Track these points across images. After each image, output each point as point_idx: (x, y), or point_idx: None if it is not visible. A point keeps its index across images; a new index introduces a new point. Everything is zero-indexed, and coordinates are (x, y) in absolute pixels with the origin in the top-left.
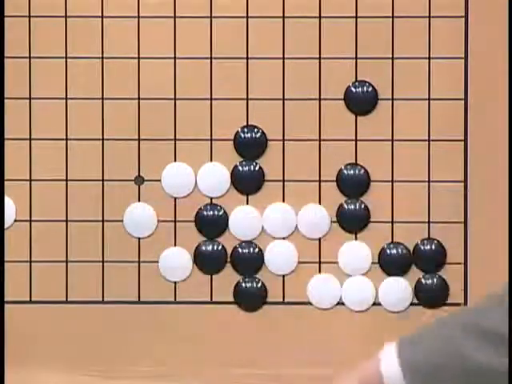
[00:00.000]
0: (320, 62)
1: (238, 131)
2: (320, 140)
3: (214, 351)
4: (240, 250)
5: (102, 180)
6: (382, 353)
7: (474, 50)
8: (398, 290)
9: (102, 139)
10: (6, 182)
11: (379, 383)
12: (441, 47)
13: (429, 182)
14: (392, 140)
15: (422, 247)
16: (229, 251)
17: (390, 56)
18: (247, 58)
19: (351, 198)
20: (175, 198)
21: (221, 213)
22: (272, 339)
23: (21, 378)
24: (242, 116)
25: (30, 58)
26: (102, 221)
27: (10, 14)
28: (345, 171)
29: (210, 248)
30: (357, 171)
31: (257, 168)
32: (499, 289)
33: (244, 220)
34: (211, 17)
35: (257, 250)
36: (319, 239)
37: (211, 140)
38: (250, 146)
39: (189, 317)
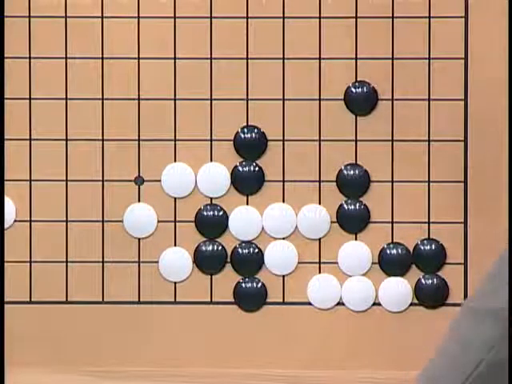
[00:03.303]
0: (320, 62)
1: (237, 131)
2: (320, 140)
3: (213, 351)
4: (240, 250)
5: (102, 180)
6: None
7: (474, 50)
8: (397, 290)
9: (102, 139)
10: (6, 182)
11: None
12: (441, 47)
13: (429, 182)
14: (392, 140)
15: (422, 247)
16: (229, 251)
17: (390, 56)
18: (247, 58)
19: (351, 198)
20: (175, 198)
21: (221, 213)
22: (272, 339)
23: (21, 378)
24: (242, 116)
25: (30, 58)
26: (102, 221)
27: (9, 14)
28: (345, 171)
29: (210, 248)
30: (357, 171)
31: (257, 168)
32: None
33: (244, 220)
34: (211, 17)
35: (257, 250)
36: (319, 239)
37: (211, 140)
38: (250, 146)
39: (189, 317)
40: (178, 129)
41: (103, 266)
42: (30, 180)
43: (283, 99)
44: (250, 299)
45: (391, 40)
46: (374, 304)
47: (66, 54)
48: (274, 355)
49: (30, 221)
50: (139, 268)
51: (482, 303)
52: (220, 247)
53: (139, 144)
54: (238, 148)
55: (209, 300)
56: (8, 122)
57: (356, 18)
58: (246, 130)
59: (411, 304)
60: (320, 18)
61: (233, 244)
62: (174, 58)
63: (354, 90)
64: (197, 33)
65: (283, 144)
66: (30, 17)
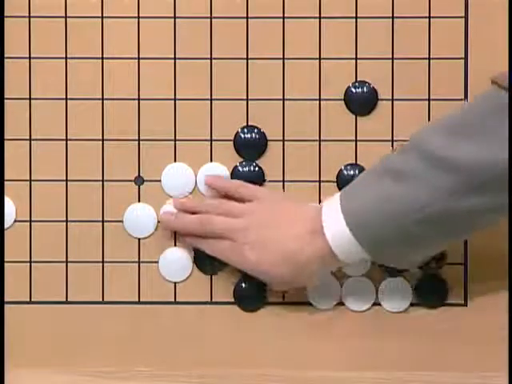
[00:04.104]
0: (320, 62)
1: (237, 131)
2: (320, 140)
3: (214, 351)
4: None
5: (102, 180)
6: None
7: (474, 49)
8: (397, 290)
9: (102, 139)
10: (6, 182)
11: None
12: (441, 47)
13: None
14: (392, 140)
15: None
16: None
17: (390, 56)
18: (247, 58)
19: None
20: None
21: None
22: (272, 339)
23: (21, 378)
24: (242, 116)
25: (30, 58)
26: (102, 221)
27: (10, 14)
28: (345, 171)
29: None
30: (357, 171)
31: (257, 168)
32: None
33: None
34: (211, 17)
35: None
36: None
37: (211, 140)
38: (250, 146)
39: (189, 317)
40: (178, 129)
41: (103, 266)
42: (30, 180)
43: (283, 99)
44: (250, 299)
45: (391, 40)
46: (374, 304)
47: (65, 54)
48: (274, 355)
49: (30, 221)
50: (139, 268)
51: (446, 152)
52: None
53: (139, 144)
54: (238, 148)
55: (209, 300)
56: (8, 122)
57: (356, 17)
58: (245, 130)
59: (411, 304)
60: (320, 17)
61: None
62: (174, 58)
63: (353, 89)
64: (197, 33)
65: (283, 144)
66: (30, 17)
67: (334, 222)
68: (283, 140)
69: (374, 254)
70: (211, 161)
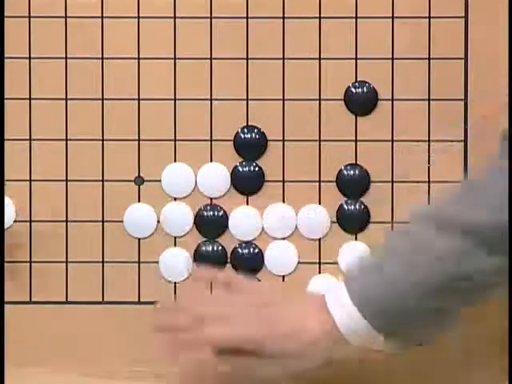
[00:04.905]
0: (320, 62)
1: (237, 131)
2: (320, 140)
3: None
4: (240, 250)
5: (102, 180)
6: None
7: (474, 49)
8: None
9: (102, 139)
10: (6, 182)
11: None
12: (441, 47)
13: (429, 182)
14: (392, 140)
15: None
16: (229, 251)
17: (390, 56)
18: (247, 58)
19: (351, 198)
20: (175, 198)
21: (221, 213)
22: None
23: (21, 378)
24: (242, 116)
25: (30, 58)
26: (102, 221)
27: (10, 14)
28: (345, 171)
29: (209, 248)
30: (357, 171)
31: (257, 168)
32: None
33: (244, 220)
34: (211, 17)
35: (257, 250)
36: (319, 239)
37: (211, 140)
38: (250, 146)
39: None
40: (178, 129)
41: (103, 266)
42: (30, 180)
43: (283, 99)
44: None
45: (391, 40)
46: None
47: (66, 54)
48: None
49: (30, 221)
50: (139, 268)
51: (450, 216)
52: (220, 247)
53: (139, 144)
54: (238, 148)
55: None
56: (8, 123)
57: (356, 18)
58: (245, 130)
59: None
60: (320, 18)
61: (233, 244)
62: (174, 58)
63: (353, 90)
64: (197, 33)
65: (283, 144)
66: (30, 17)
67: (343, 311)
68: (283, 140)
69: (386, 332)
70: (211, 161)
